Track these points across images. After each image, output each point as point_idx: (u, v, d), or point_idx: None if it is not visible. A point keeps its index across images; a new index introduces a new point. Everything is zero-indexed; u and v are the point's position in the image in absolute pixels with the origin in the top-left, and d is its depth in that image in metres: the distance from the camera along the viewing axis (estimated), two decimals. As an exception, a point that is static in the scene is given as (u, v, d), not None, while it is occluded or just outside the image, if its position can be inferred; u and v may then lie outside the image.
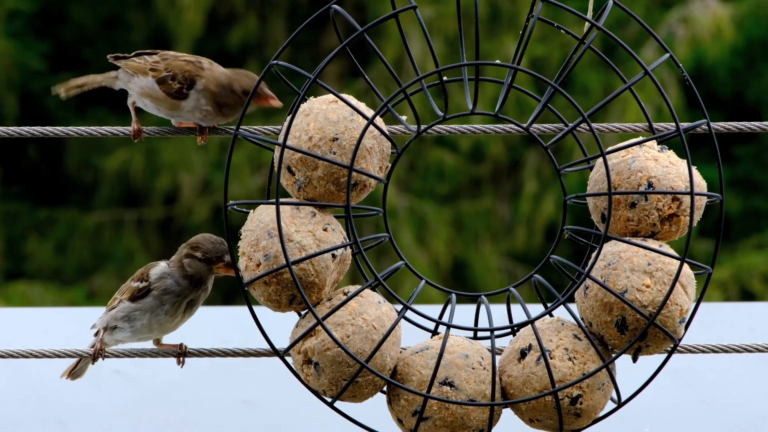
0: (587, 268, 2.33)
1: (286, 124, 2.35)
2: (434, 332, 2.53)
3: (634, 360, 2.36)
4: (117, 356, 2.52)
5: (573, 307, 2.37)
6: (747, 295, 7.63)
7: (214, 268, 2.46)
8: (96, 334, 2.52)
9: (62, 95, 2.59)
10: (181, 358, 2.52)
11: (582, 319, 2.36)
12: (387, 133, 2.37)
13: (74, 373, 2.56)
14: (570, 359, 2.32)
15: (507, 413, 2.39)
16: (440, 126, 2.46)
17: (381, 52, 2.34)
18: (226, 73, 2.51)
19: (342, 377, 2.32)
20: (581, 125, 2.40)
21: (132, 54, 2.56)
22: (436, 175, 8.07)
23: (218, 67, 2.52)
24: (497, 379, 2.35)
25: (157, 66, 2.51)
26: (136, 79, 2.53)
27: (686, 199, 2.34)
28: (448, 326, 2.36)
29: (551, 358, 2.32)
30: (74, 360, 2.55)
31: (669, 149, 2.38)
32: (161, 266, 2.49)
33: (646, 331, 2.30)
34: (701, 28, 8.07)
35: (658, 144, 2.39)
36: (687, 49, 8.03)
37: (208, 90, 2.48)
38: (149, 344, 2.55)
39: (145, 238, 8.21)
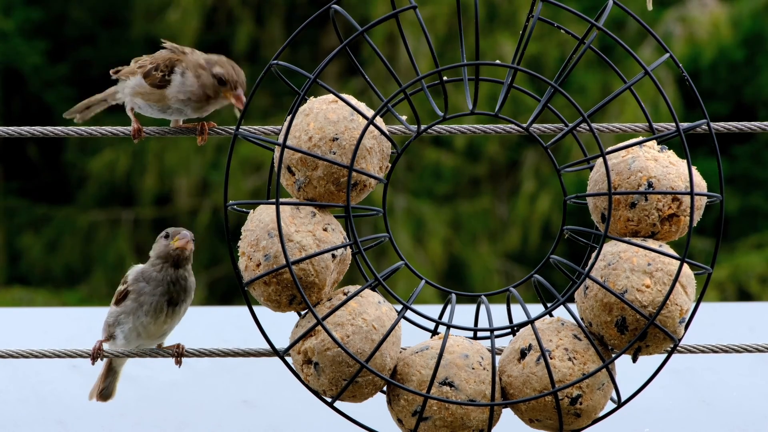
0: (587, 268, 2.33)
1: (286, 124, 2.35)
2: (434, 332, 2.53)
3: (634, 360, 2.36)
4: (117, 356, 2.53)
5: (573, 307, 2.37)
6: (744, 295, 7.62)
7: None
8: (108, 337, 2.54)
9: (77, 119, 2.62)
10: (179, 359, 2.52)
11: (582, 319, 2.36)
12: (387, 133, 2.37)
13: (103, 394, 2.57)
14: (570, 359, 2.32)
15: (507, 413, 2.39)
16: (440, 126, 2.46)
17: (380, 50, 2.34)
18: (206, 57, 2.53)
19: (342, 377, 2.32)
20: (581, 125, 2.40)
21: (131, 62, 2.59)
22: (434, 175, 8.06)
23: (199, 54, 2.54)
24: (497, 379, 2.35)
25: (144, 63, 2.53)
26: (127, 81, 2.55)
27: (686, 199, 2.34)
28: (448, 326, 2.36)
29: (551, 358, 2.32)
30: (97, 380, 2.56)
31: (669, 149, 2.38)
32: (137, 267, 2.52)
33: (646, 331, 2.30)
34: (699, 27, 8.08)
35: (658, 144, 2.39)
36: (684, 47, 8.04)
37: (190, 70, 2.50)
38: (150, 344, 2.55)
39: (139, 238, 8.21)
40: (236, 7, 8.18)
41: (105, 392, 2.58)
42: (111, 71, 2.59)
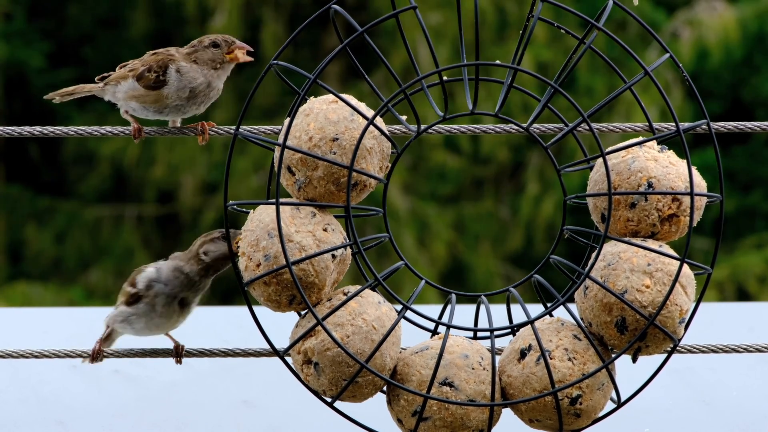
0: (587, 269, 2.33)
1: (286, 124, 2.35)
2: (434, 332, 2.53)
3: (634, 360, 2.36)
4: (117, 356, 2.53)
5: (573, 307, 2.37)
6: (743, 295, 7.60)
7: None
8: (107, 327, 2.54)
9: (56, 100, 2.61)
10: (179, 358, 2.52)
11: (582, 319, 2.36)
12: (387, 133, 2.37)
13: (95, 357, 2.55)
14: (570, 359, 2.32)
15: (507, 413, 2.39)
16: (440, 126, 2.46)
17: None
18: (187, 46, 2.55)
19: (342, 377, 2.32)
20: (582, 125, 2.40)
21: (116, 68, 2.59)
22: (439, 177, 8.06)
23: (181, 48, 2.55)
24: (497, 379, 2.35)
25: (135, 67, 2.54)
26: (119, 86, 2.54)
27: (686, 199, 2.34)
28: (448, 326, 2.36)
29: (551, 359, 2.32)
30: (96, 344, 2.54)
31: (669, 149, 2.38)
32: (148, 272, 2.50)
33: (645, 331, 2.30)
34: (707, 30, 8.08)
35: (658, 144, 2.39)
36: (691, 50, 8.04)
37: (184, 63, 2.50)
38: (149, 344, 2.55)
39: (144, 233, 8.23)
40: (261, 6, 8.17)
41: (98, 357, 2.57)
42: (96, 78, 2.59)
